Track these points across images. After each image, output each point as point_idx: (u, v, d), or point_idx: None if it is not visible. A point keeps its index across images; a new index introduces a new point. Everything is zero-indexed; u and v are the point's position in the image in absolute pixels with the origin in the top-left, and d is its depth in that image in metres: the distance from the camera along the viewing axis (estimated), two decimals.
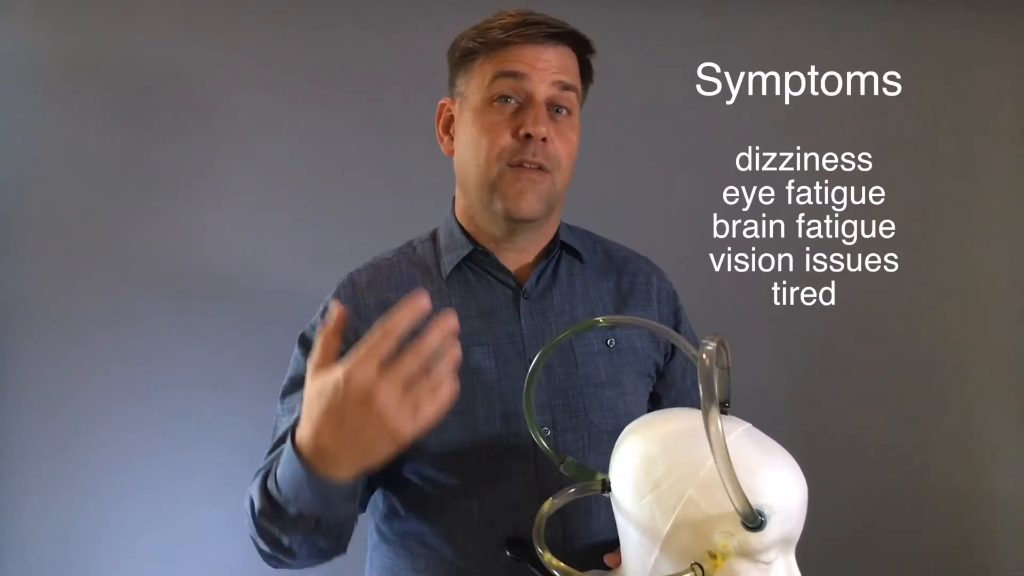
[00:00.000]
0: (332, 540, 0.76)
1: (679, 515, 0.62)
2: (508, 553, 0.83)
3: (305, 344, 0.93)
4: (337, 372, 0.61)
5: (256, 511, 0.76)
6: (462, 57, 0.93)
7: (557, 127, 0.90)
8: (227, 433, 1.73)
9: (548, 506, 0.71)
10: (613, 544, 0.80)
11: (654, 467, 0.66)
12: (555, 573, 0.64)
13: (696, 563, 0.60)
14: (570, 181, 0.96)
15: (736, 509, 0.58)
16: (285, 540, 0.75)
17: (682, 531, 0.62)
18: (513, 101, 0.89)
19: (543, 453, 0.77)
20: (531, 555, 0.82)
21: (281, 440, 0.87)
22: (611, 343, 0.95)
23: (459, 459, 0.88)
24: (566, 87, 0.90)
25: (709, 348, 0.59)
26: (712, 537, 0.61)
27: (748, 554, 0.61)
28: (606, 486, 0.72)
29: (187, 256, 1.75)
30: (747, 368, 1.92)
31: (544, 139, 0.88)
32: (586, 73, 0.96)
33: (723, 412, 0.70)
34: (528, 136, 0.87)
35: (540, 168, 0.89)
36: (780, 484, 0.63)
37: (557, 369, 0.92)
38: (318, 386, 0.63)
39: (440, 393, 0.61)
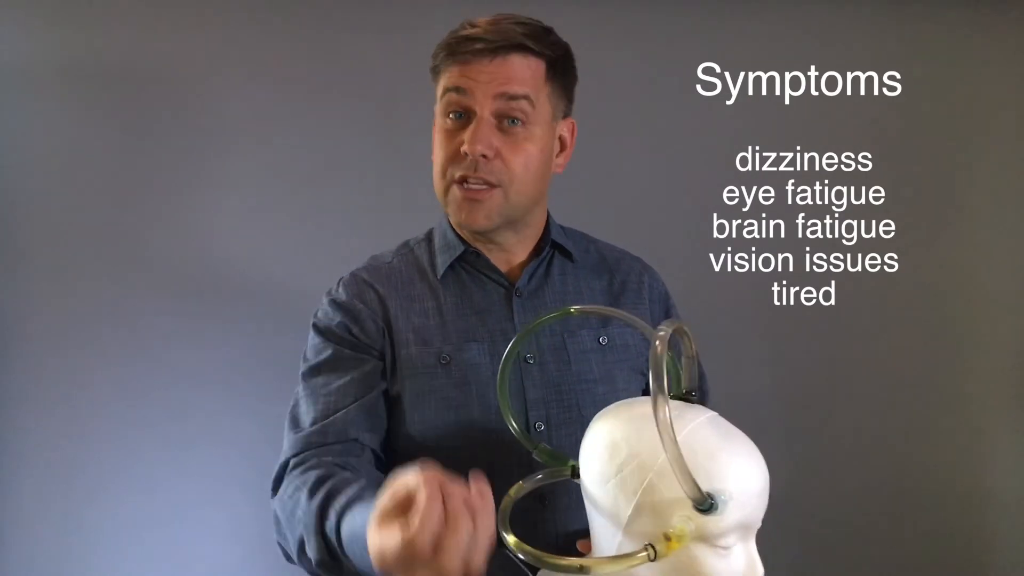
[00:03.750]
0: None
1: (640, 499, 0.63)
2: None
3: (325, 333, 0.94)
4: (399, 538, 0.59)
5: (315, 561, 0.76)
6: (432, 71, 0.95)
7: (508, 139, 0.89)
8: (227, 433, 1.73)
9: (515, 490, 0.72)
10: None
11: (617, 452, 0.67)
12: (519, 555, 0.64)
13: (649, 544, 0.60)
14: (543, 185, 0.96)
15: (685, 493, 0.59)
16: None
17: (643, 514, 0.63)
18: (461, 115, 0.90)
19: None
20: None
21: (296, 425, 0.90)
22: (603, 340, 0.96)
23: (455, 454, 0.88)
24: (513, 97, 0.88)
25: (662, 334, 0.59)
26: (671, 520, 0.62)
27: (706, 538, 0.62)
28: (575, 471, 0.73)
29: (186, 256, 1.76)
30: (747, 368, 1.94)
31: (485, 156, 0.87)
32: (554, 74, 0.93)
33: (689, 401, 0.71)
34: (467, 154, 0.88)
35: (487, 183, 0.89)
36: (739, 470, 0.64)
37: (551, 366, 0.93)
38: (386, 545, 0.60)
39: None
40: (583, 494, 0.71)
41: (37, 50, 1.72)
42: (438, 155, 0.92)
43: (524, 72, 0.90)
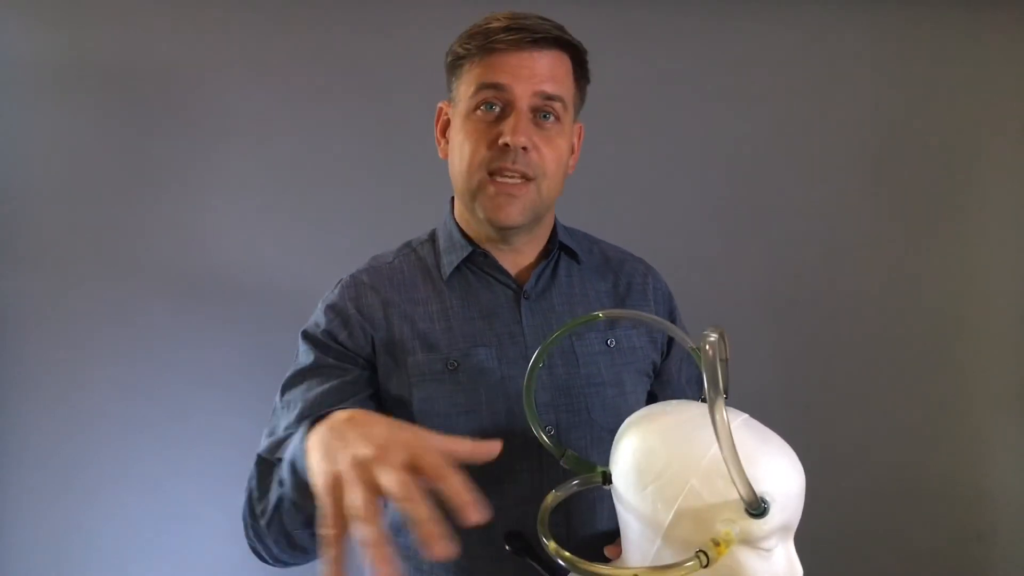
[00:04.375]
0: (303, 534, 0.76)
1: (681, 505, 0.63)
2: (507, 547, 0.84)
3: (311, 340, 0.93)
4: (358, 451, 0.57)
5: (250, 490, 0.79)
6: (453, 62, 0.93)
7: (543, 133, 0.89)
8: (227, 433, 1.73)
9: (551, 498, 0.72)
10: (616, 535, 0.80)
11: (655, 458, 0.66)
12: (559, 562, 0.64)
13: (701, 551, 0.60)
14: (562, 184, 0.96)
15: (741, 496, 0.59)
16: (262, 520, 0.77)
17: (684, 520, 0.63)
18: (496, 108, 0.89)
19: (547, 451, 0.78)
20: (530, 549, 0.82)
21: (279, 442, 0.87)
22: (611, 343, 0.96)
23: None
24: (549, 97, 0.89)
25: (712, 339, 0.59)
26: (714, 525, 0.61)
27: (749, 541, 0.62)
28: (607, 478, 0.72)
29: (187, 256, 1.76)
30: (747, 367, 1.93)
31: (525, 148, 0.87)
32: (580, 73, 0.94)
33: None
34: (507, 145, 0.87)
35: (523, 176, 0.89)
36: (779, 472, 0.64)
37: (559, 369, 0.93)
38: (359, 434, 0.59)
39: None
40: (616, 500, 0.71)
41: (37, 50, 1.72)
42: (467, 148, 0.90)
43: (559, 70, 0.90)
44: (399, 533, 0.93)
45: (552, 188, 0.92)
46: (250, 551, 0.85)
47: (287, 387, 0.92)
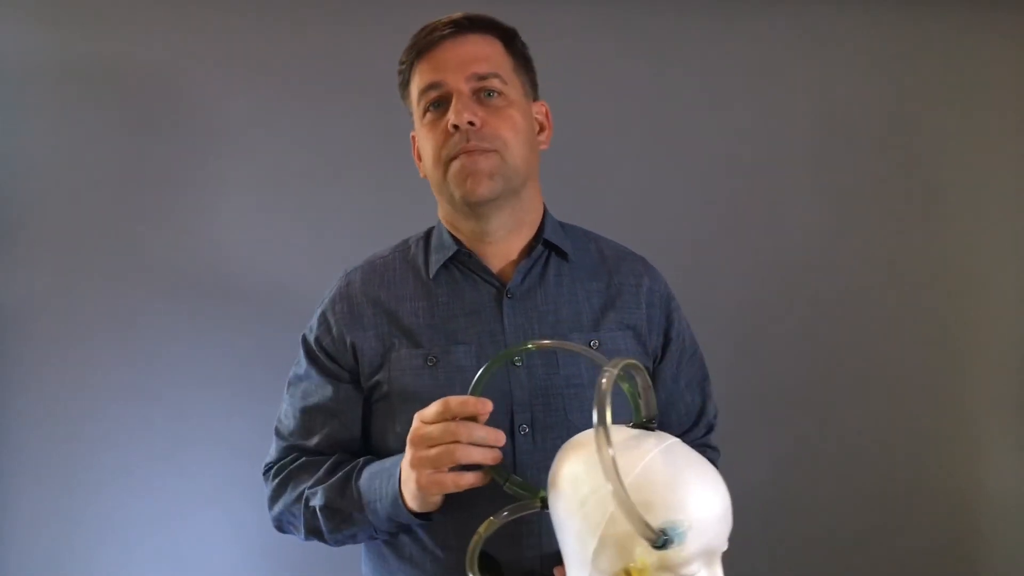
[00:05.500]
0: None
1: (604, 532, 0.63)
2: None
3: (305, 348, 1.01)
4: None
5: (321, 504, 0.91)
6: (401, 86, 1.00)
7: (491, 109, 0.92)
8: (227, 433, 1.73)
9: (485, 527, 0.72)
10: None
11: (580, 485, 0.66)
12: None
13: None
14: (533, 158, 0.97)
15: (637, 533, 0.58)
16: (327, 538, 0.93)
17: (608, 548, 0.63)
18: (442, 104, 0.93)
19: (520, 448, 0.82)
20: (498, 570, 0.83)
21: (279, 433, 1.01)
22: (594, 344, 0.96)
23: None
24: (483, 76, 0.92)
25: (609, 372, 0.59)
26: (634, 553, 0.61)
27: (670, 568, 0.62)
28: (545, 503, 0.73)
29: (187, 256, 1.76)
30: (746, 367, 1.93)
31: (472, 123, 0.90)
32: (513, 51, 0.98)
33: (649, 428, 0.72)
34: (456, 127, 0.90)
35: (482, 151, 0.91)
36: (697, 498, 0.63)
37: (539, 369, 0.93)
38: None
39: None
40: (554, 526, 0.71)
41: (37, 50, 1.72)
42: (428, 146, 0.94)
43: (487, 49, 0.95)
44: (399, 532, 0.94)
45: (518, 157, 0.93)
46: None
47: (291, 383, 1.02)
